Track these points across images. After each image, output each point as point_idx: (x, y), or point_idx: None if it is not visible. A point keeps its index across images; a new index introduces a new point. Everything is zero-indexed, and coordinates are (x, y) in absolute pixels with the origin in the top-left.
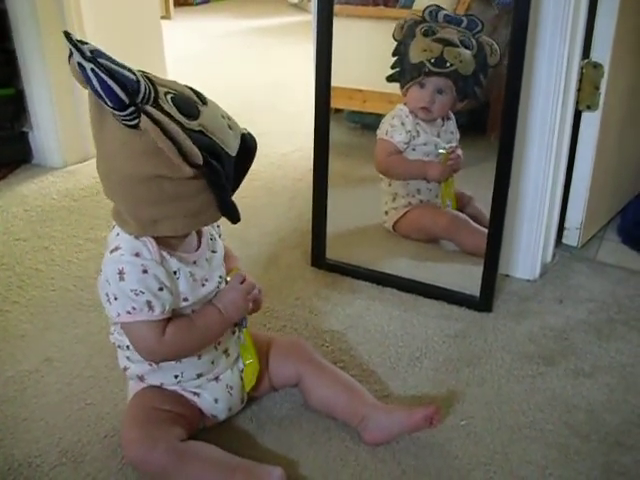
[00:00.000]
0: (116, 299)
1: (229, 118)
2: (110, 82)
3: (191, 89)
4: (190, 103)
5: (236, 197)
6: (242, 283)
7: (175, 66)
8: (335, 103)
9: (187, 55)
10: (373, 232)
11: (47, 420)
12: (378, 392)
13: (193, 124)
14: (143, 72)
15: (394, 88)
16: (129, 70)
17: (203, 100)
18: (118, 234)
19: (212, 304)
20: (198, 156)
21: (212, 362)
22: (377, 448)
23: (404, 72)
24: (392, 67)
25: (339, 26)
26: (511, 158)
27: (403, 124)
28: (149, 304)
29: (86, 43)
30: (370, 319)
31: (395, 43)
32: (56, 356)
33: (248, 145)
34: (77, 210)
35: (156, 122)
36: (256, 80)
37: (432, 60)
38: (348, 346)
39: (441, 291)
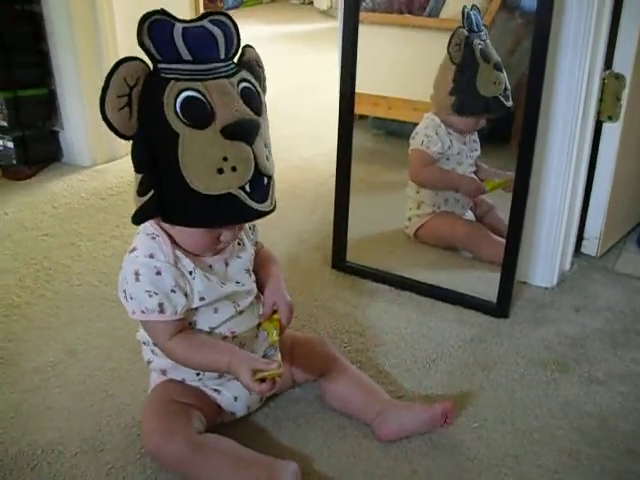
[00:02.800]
0: (132, 298)
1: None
2: None
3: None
4: (204, 114)
5: None
6: (264, 381)
7: None
8: (360, 109)
9: None
10: (393, 237)
11: (69, 409)
12: (393, 393)
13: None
14: None
15: (419, 95)
16: None
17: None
18: (138, 233)
19: (227, 353)
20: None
21: None
22: (390, 447)
23: (467, 101)
24: (451, 94)
25: (365, 33)
26: (530, 166)
27: (437, 134)
28: (161, 306)
29: None
30: (388, 322)
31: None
32: (80, 348)
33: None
34: (104, 208)
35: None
36: (283, 85)
37: (502, 94)
38: (365, 347)
39: (458, 296)
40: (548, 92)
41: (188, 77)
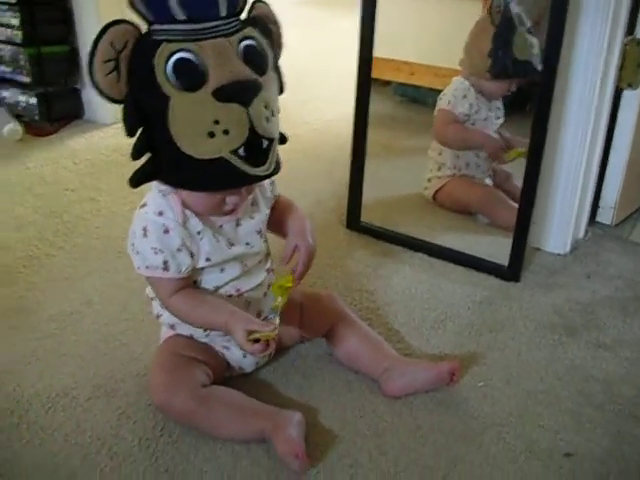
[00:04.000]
0: (138, 253)
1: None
2: None
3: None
4: (196, 76)
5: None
6: (258, 341)
7: None
8: (382, 74)
9: None
10: (410, 200)
11: (84, 357)
12: (400, 350)
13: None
14: None
15: (441, 61)
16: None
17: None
18: (151, 189)
19: (225, 313)
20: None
21: None
22: (395, 402)
23: (504, 64)
24: (489, 55)
25: None
26: (545, 132)
27: (465, 97)
28: (165, 264)
29: None
30: (399, 281)
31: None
32: (96, 299)
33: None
34: (124, 165)
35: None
36: (308, 48)
37: (537, 58)
38: (375, 305)
39: (470, 259)
40: (567, 57)
41: (181, 38)
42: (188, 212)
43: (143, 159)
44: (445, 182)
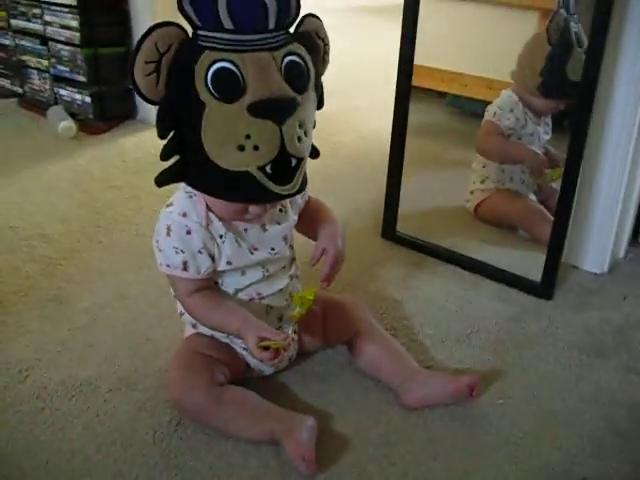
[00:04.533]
0: (161, 250)
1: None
2: None
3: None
4: (234, 88)
5: (321, 164)
6: (267, 350)
7: None
8: (433, 84)
9: None
10: (452, 213)
11: (110, 349)
12: (422, 362)
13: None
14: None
15: (494, 74)
16: None
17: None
18: (179, 189)
19: (239, 320)
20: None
21: None
22: (411, 414)
23: (555, 83)
24: (541, 74)
25: (442, 8)
26: (582, 146)
27: (512, 110)
28: (185, 264)
29: None
30: (429, 293)
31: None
32: (128, 294)
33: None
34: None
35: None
36: (359, 55)
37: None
38: (402, 315)
39: (503, 274)
40: (609, 70)
41: (225, 47)
42: (212, 215)
43: (171, 160)
44: (487, 195)
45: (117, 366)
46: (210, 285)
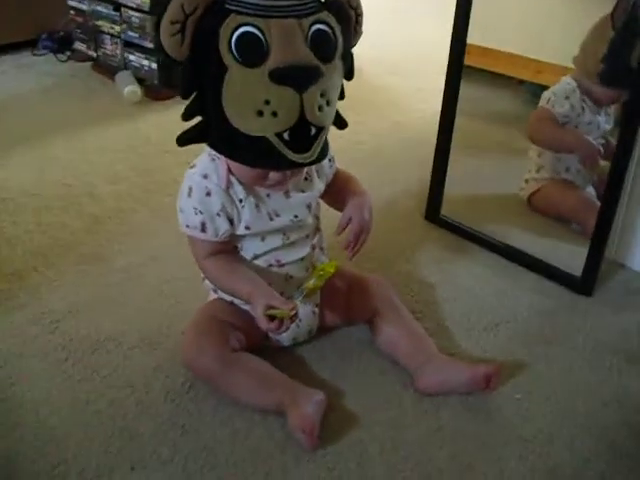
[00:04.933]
0: (182, 211)
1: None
2: None
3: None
4: (257, 53)
5: (377, 142)
6: (274, 319)
7: None
8: (507, 70)
9: (368, 6)
10: (504, 200)
11: (139, 307)
12: (446, 348)
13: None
14: None
15: (568, 61)
16: None
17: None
18: (204, 152)
19: (251, 285)
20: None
21: (281, 293)
22: (424, 399)
23: (617, 72)
24: (602, 61)
25: None
26: (634, 134)
27: (567, 97)
28: (203, 225)
29: None
30: (464, 279)
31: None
32: (163, 255)
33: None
34: None
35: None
36: (428, 36)
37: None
38: (433, 300)
39: (544, 266)
40: None
41: (252, 12)
42: (233, 179)
43: (194, 121)
44: (542, 185)
45: (142, 324)
46: (228, 249)
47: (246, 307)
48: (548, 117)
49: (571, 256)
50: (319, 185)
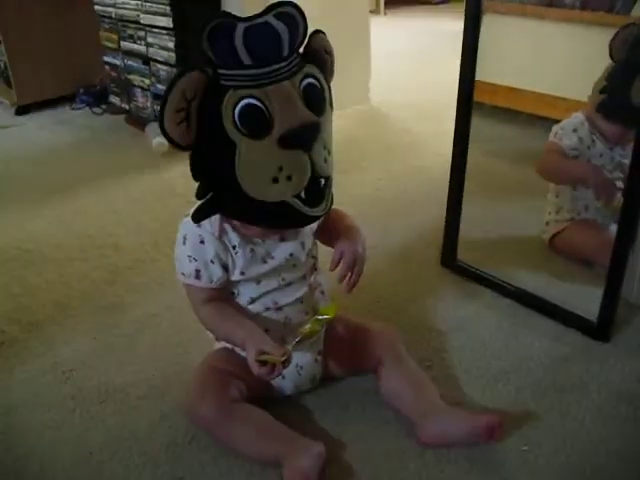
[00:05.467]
0: (178, 259)
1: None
2: None
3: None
4: (262, 124)
5: (397, 187)
6: (266, 364)
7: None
8: (536, 109)
9: (393, 52)
10: (524, 243)
11: (149, 358)
12: (452, 398)
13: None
14: None
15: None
16: None
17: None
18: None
19: (246, 332)
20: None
21: (282, 339)
22: (426, 452)
23: (616, 105)
24: (601, 92)
25: (536, 27)
26: None
27: (575, 130)
28: (197, 272)
29: None
30: (477, 326)
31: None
32: (179, 306)
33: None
34: None
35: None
36: (448, 80)
37: None
38: (443, 347)
39: (559, 311)
40: None
41: (248, 83)
42: (227, 226)
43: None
44: (564, 227)
45: (151, 375)
46: (223, 296)
47: (244, 354)
48: (555, 150)
49: (590, 300)
50: (313, 224)
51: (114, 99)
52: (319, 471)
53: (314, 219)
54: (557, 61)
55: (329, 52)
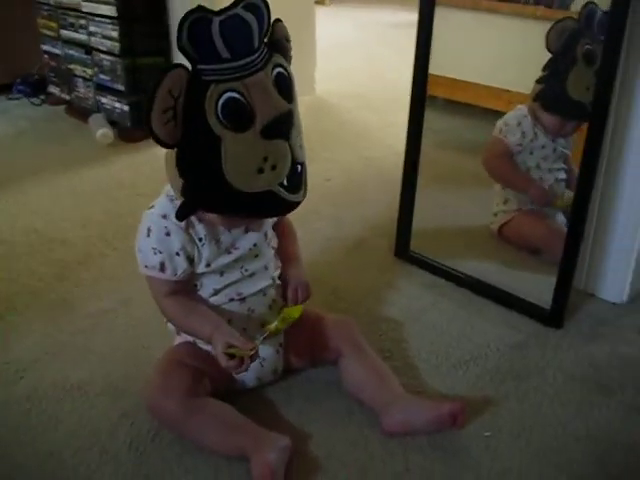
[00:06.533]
0: (140, 251)
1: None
2: None
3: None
4: (245, 116)
5: (348, 179)
6: (234, 358)
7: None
8: (481, 102)
9: (338, 42)
10: (474, 233)
11: (105, 354)
12: (413, 387)
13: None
14: None
15: None
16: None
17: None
18: (162, 193)
19: (212, 326)
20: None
21: (245, 331)
22: (390, 441)
23: (552, 96)
24: (538, 82)
25: (484, 21)
26: (595, 165)
27: (519, 124)
28: (162, 265)
29: None
30: (432, 316)
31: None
32: (133, 301)
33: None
34: None
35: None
36: (403, 72)
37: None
38: (401, 338)
39: (513, 299)
40: (628, 90)
41: (227, 76)
42: (194, 218)
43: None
44: (511, 217)
45: (109, 371)
46: (187, 289)
47: (207, 347)
48: (501, 149)
49: (541, 288)
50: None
51: (54, 89)
52: (285, 464)
53: (296, 205)
54: (508, 55)
55: (289, 40)
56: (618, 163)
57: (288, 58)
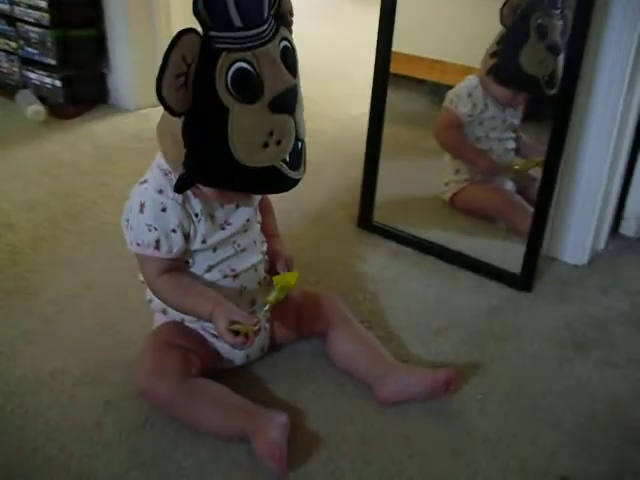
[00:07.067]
0: (132, 228)
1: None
2: None
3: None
4: (254, 88)
5: None
6: (238, 334)
7: None
8: (414, 72)
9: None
10: (430, 203)
11: (77, 341)
12: (399, 356)
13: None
14: None
15: (474, 62)
16: None
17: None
18: (152, 167)
19: (212, 301)
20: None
21: (238, 307)
22: (386, 410)
23: (506, 70)
24: (492, 56)
25: None
26: (564, 136)
27: (470, 95)
28: (157, 242)
29: None
30: (406, 284)
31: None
32: (97, 284)
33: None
34: (142, 151)
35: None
36: (343, 43)
37: (546, 78)
38: (378, 308)
39: (482, 265)
40: (591, 63)
41: (238, 46)
42: (189, 193)
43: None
44: (462, 187)
45: (83, 359)
46: (180, 266)
47: (196, 326)
48: (452, 120)
49: (505, 253)
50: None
51: None
52: (287, 440)
53: (296, 182)
54: (433, 24)
55: (292, 14)
56: (580, 129)
57: (291, 31)
